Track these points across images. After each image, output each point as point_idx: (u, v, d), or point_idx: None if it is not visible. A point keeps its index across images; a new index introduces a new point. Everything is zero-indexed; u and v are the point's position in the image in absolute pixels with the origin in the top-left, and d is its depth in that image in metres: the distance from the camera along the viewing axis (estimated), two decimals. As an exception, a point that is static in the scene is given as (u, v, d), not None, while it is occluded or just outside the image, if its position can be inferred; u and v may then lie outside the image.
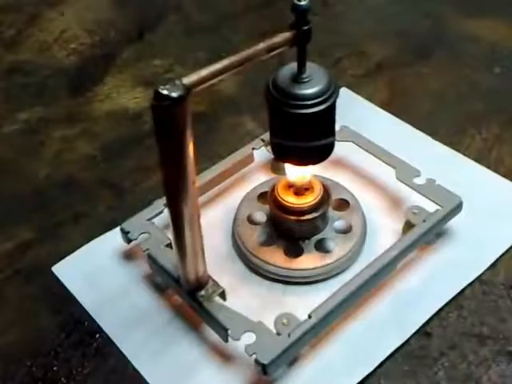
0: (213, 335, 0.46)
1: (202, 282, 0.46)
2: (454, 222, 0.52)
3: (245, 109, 0.66)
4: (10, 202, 0.58)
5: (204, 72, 0.37)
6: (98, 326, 0.48)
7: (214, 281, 0.46)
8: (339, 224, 0.53)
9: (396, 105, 0.66)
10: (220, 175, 0.56)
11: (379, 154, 0.56)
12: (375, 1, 0.82)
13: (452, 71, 0.70)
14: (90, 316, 0.48)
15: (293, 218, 0.50)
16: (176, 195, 0.39)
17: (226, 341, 0.44)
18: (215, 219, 0.55)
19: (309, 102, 0.42)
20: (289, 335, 0.43)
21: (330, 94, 0.43)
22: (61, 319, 0.48)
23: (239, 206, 0.54)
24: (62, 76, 0.70)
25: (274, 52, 0.40)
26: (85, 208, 0.57)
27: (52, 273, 0.51)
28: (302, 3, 0.39)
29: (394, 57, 0.73)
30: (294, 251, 0.51)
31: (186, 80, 0.36)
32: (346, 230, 0.52)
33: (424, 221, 0.50)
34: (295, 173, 0.49)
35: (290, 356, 0.43)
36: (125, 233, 0.51)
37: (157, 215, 0.52)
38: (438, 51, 0.73)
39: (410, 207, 0.51)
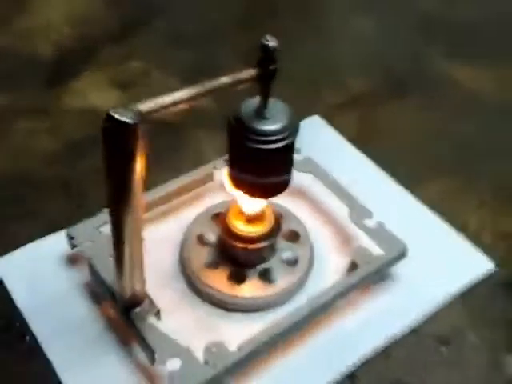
0: (143, 354, 0.46)
1: (138, 300, 0.46)
2: (399, 267, 0.52)
3: (218, 123, 0.66)
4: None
5: (162, 100, 0.37)
6: (29, 328, 0.47)
7: (150, 300, 0.46)
8: (287, 255, 0.53)
9: (364, 140, 0.66)
10: (177, 190, 0.56)
11: (336, 190, 0.56)
12: (364, 33, 0.83)
13: (426, 113, 0.70)
14: (22, 318, 0.48)
15: (240, 244, 0.50)
16: (118, 209, 0.39)
17: (152, 364, 0.44)
18: (166, 234, 0.55)
19: (266, 138, 0.42)
20: (215, 365, 0.43)
21: (288, 134, 0.43)
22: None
23: (191, 224, 0.54)
24: (38, 66, 0.69)
25: (238, 87, 0.40)
26: (36, 206, 0.56)
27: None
28: (270, 43, 0.39)
29: (372, 91, 0.73)
30: (238, 277, 0.51)
31: (142, 107, 0.36)
32: (293, 263, 0.52)
33: (368, 263, 0.50)
34: (247, 203, 0.49)
35: (214, 387, 0.43)
36: (70, 238, 0.50)
37: (106, 223, 0.51)
38: (416, 91, 0.73)
39: (357, 248, 0.52)
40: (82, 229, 0.51)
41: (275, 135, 0.42)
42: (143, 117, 0.36)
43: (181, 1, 0.82)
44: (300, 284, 0.51)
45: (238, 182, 0.46)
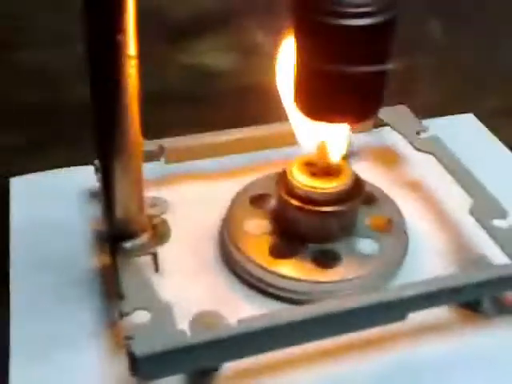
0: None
1: (133, 232, 0.33)
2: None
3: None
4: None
5: None
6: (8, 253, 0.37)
7: (149, 237, 0.33)
8: (365, 242, 0.36)
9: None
10: (248, 142, 0.43)
11: (460, 176, 0.39)
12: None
13: None
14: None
15: (296, 203, 0.35)
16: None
17: (118, 314, 0.30)
18: (220, 194, 0.41)
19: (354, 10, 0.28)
20: (197, 334, 0.28)
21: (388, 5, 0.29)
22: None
23: (251, 183, 0.41)
24: (167, 22, 0.62)
25: None
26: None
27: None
28: None
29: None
30: (284, 251, 0.36)
31: None
32: (371, 254, 0.36)
33: (485, 274, 0.32)
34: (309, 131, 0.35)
35: (186, 366, 0.28)
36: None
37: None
38: None
39: (474, 254, 0.34)
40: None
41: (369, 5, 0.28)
42: None
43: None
44: (371, 281, 0.34)
45: (304, 90, 0.31)
